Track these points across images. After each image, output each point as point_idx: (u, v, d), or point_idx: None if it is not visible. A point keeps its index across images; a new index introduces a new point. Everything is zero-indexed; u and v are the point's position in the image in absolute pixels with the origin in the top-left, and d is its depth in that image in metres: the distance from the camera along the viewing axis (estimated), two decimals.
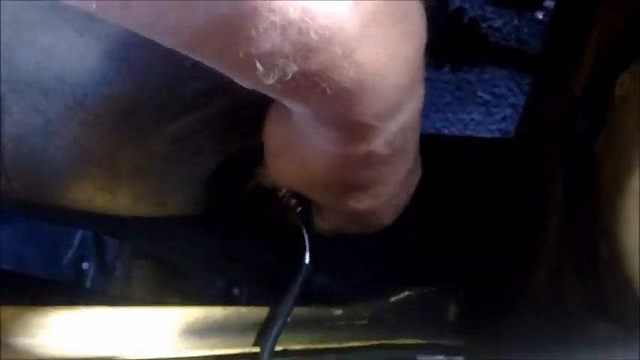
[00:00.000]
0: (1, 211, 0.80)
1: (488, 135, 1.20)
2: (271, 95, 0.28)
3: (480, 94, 1.21)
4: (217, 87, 0.41)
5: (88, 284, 0.77)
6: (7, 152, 0.38)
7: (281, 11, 0.23)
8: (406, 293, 0.59)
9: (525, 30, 1.10)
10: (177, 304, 0.61)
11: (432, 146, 0.46)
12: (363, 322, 0.56)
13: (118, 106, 0.37)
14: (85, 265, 0.81)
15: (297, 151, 0.36)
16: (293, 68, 0.25)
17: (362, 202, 0.36)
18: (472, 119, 1.24)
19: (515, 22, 1.11)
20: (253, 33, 0.23)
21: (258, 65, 0.25)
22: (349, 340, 0.55)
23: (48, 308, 0.49)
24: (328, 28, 0.24)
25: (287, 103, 0.29)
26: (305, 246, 0.51)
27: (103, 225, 0.62)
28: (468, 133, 1.22)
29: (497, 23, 1.12)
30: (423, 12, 0.30)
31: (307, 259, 0.50)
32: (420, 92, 0.32)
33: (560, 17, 0.64)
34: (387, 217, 0.40)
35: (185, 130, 0.41)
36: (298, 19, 0.23)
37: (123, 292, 0.74)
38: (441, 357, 0.61)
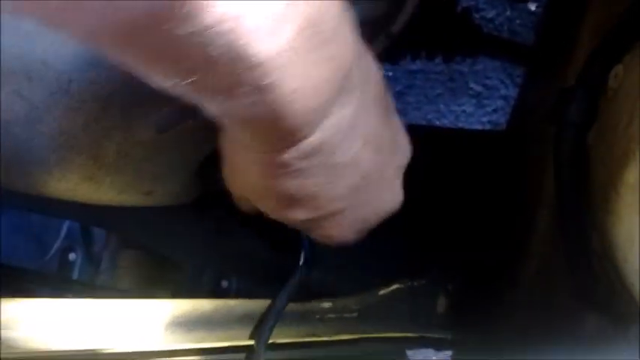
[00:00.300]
0: None
1: (479, 127, 1.20)
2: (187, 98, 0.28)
3: (472, 85, 1.21)
4: None
5: (75, 275, 0.77)
6: None
7: (198, 20, 0.22)
8: (395, 286, 0.58)
9: (518, 21, 1.10)
10: (164, 296, 0.61)
11: (423, 138, 0.45)
12: (353, 315, 0.56)
13: (102, 92, 0.37)
14: (72, 256, 0.80)
15: (231, 157, 0.37)
16: (208, 79, 0.25)
17: (297, 214, 0.36)
18: (463, 111, 1.24)
19: (508, 13, 1.11)
20: (171, 35, 0.23)
21: (173, 70, 0.25)
22: (338, 333, 0.55)
23: (32, 300, 0.48)
24: (245, 52, 0.24)
25: (204, 106, 0.29)
26: (303, 244, 0.51)
27: (90, 215, 0.61)
28: (460, 124, 1.22)
29: (490, 14, 1.12)
30: (350, 32, 0.30)
31: (304, 259, 0.50)
32: (345, 110, 0.32)
33: (553, 8, 0.63)
34: (342, 232, 0.39)
35: (171, 118, 0.41)
36: (216, 32, 0.23)
37: (110, 283, 0.73)
38: (430, 350, 0.61)
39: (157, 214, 0.52)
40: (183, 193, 0.49)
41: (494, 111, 1.19)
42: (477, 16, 1.11)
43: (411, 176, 0.45)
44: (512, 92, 1.12)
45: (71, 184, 0.40)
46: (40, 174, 0.39)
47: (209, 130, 0.44)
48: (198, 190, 0.49)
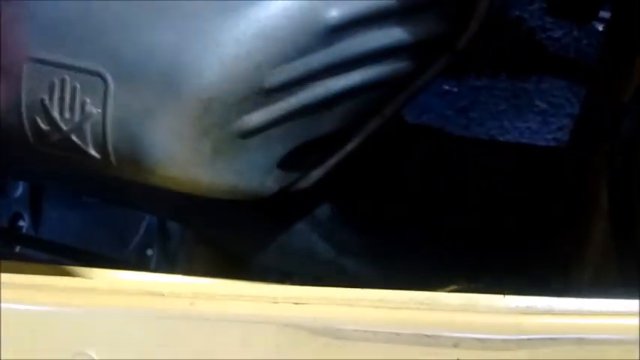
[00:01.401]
0: (75, 197, 0.89)
1: (543, 144, 1.22)
2: None
3: (537, 102, 1.23)
4: (292, 83, 0.47)
5: (150, 268, 0.85)
6: (110, 132, 0.45)
7: None
8: (453, 287, 0.63)
9: (585, 41, 1.12)
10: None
11: (487, 152, 0.50)
12: None
13: (206, 96, 0.44)
14: (149, 252, 0.89)
15: None
16: None
17: None
18: (528, 128, 1.27)
19: (575, 33, 1.13)
20: None
21: None
22: None
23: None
24: None
25: None
26: None
27: (169, 211, 0.68)
28: (524, 141, 1.24)
29: (557, 34, 1.15)
30: None
31: None
32: None
33: (614, 27, 0.67)
34: None
35: (260, 121, 0.48)
36: None
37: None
38: None
39: (230, 210, 0.59)
40: (262, 190, 0.55)
41: (560, 129, 1.21)
42: (543, 35, 1.14)
43: (473, 186, 0.49)
44: (578, 111, 1.14)
45: (173, 173, 0.47)
46: (150, 163, 0.46)
47: (291, 133, 0.51)
48: (277, 186, 0.55)
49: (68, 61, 0.45)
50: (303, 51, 0.46)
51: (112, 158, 0.46)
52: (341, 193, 0.69)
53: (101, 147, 0.45)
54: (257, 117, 0.47)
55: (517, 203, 0.69)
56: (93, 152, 0.46)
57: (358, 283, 0.64)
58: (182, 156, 0.46)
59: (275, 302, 0.35)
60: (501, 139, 1.26)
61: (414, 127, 1.00)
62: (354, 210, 0.72)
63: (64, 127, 0.46)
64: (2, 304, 0.35)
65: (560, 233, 0.65)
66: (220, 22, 0.44)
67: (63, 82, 0.45)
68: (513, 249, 0.63)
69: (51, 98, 0.46)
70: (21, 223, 0.88)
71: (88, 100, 0.45)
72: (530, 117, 1.26)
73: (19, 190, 0.87)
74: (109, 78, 0.44)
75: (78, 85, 0.45)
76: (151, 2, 0.43)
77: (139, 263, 0.86)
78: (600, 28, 1.08)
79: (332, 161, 0.60)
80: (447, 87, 1.14)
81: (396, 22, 0.48)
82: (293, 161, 0.55)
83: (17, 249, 0.86)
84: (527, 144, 1.16)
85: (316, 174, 0.59)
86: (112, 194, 0.62)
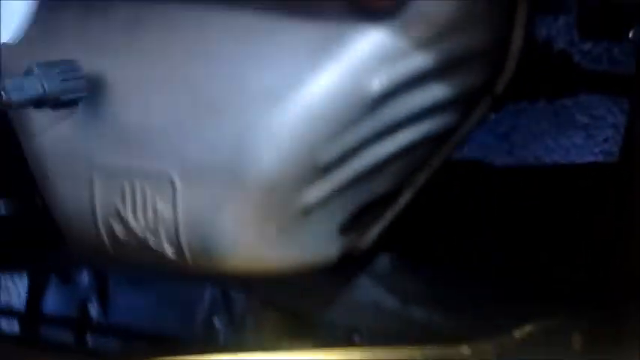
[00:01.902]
0: (136, 277, 0.92)
1: (592, 158, 1.21)
2: None
3: (579, 117, 1.23)
4: (344, 155, 0.50)
5: (220, 340, 0.87)
6: (182, 230, 0.48)
7: None
8: (530, 327, 0.62)
9: (616, 50, 1.12)
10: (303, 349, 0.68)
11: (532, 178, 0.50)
12: (492, 358, 0.60)
13: (267, 182, 0.47)
14: (216, 322, 0.91)
15: None
16: None
17: None
18: (573, 144, 1.26)
19: (605, 43, 1.14)
20: None
21: None
22: None
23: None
24: None
25: None
26: None
27: (234, 282, 0.71)
28: (571, 158, 1.24)
29: (587, 47, 1.16)
30: None
31: None
32: None
33: None
34: None
35: (319, 196, 0.50)
36: None
37: (255, 344, 0.82)
38: None
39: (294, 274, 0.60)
40: (326, 259, 0.57)
41: (605, 141, 1.20)
42: (573, 50, 1.15)
43: (531, 216, 0.50)
44: (622, 120, 1.13)
45: (243, 261, 0.50)
46: (221, 253, 0.49)
47: (348, 202, 0.53)
48: (339, 253, 0.57)
49: (136, 165, 0.48)
50: (350, 124, 0.49)
51: (187, 256, 0.49)
52: (400, 244, 0.70)
53: (176, 246, 0.48)
54: (315, 192, 0.50)
55: (576, 227, 0.69)
56: (168, 252, 0.49)
57: (429, 333, 0.65)
58: (251, 243, 0.49)
59: None
60: (548, 159, 1.26)
61: (457, 163, 1.01)
62: (415, 258, 0.73)
63: (139, 231, 0.49)
64: None
65: (625, 255, 0.64)
66: (271, 110, 0.47)
67: (133, 186, 0.49)
68: (586, 283, 0.63)
69: (123, 203, 0.49)
70: (90, 309, 0.91)
71: (158, 202, 0.48)
72: (574, 133, 1.25)
73: (85, 276, 0.90)
74: (176, 177, 0.47)
75: (148, 188, 0.48)
76: (206, 102, 0.47)
77: (208, 336, 0.88)
78: (630, 35, 1.08)
79: (388, 217, 0.62)
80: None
81: (435, 81, 0.50)
82: (352, 225, 0.57)
83: (88, 337, 0.89)
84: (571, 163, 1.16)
85: (374, 232, 0.61)
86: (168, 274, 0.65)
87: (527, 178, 0.86)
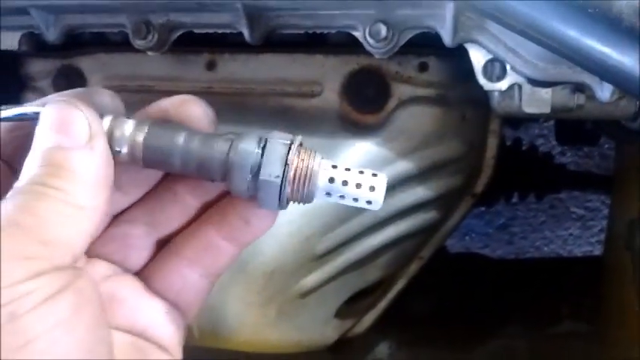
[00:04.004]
0: None
1: (589, 248, 1.28)
2: None
3: (574, 210, 1.31)
4: (338, 246, 0.57)
5: None
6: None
7: None
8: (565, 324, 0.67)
9: (606, 145, 1.21)
10: None
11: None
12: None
13: (268, 269, 0.55)
14: None
15: None
16: None
17: None
18: (570, 234, 1.33)
19: (585, 149, 1.23)
20: None
21: None
22: None
23: None
24: None
25: None
26: None
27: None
28: (568, 247, 1.30)
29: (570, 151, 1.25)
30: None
31: None
32: None
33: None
34: None
35: (316, 281, 0.58)
36: None
37: None
38: None
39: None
40: (323, 340, 0.64)
41: (601, 231, 1.27)
42: (565, 147, 1.24)
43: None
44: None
45: (246, 337, 0.57)
46: (226, 331, 0.56)
47: (343, 288, 0.60)
48: (336, 334, 0.64)
49: None
50: (342, 220, 0.57)
51: (195, 332, 0.56)
52: (397, 329, 0.76)
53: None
54: (312, 278, 0.58)
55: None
56: None
57: None
58: (252, 321, 0.56)
59: None
60: (546, 249, 1.33)
61: (457, 255, 1.07)
62: (413, 343, 0.79)
63: None
64: None
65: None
66: None
67: None
68: None
69: None
70: None
71: None
72: (571, 224, 1.33)
73: None
74: None
75: None
76: None
77: None
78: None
79: (382, 305, 0.68)
80: (483, 207, 1.24)
81: (416, 183, 0.59)
82: (347, 310, 0.64)
83: None
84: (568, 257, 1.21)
85: (369, 318, 0.68)
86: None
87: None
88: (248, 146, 0.33)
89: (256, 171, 0.33)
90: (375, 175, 0.34)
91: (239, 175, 0.33)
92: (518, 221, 1.31)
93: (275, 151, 0.33)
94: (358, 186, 0.33)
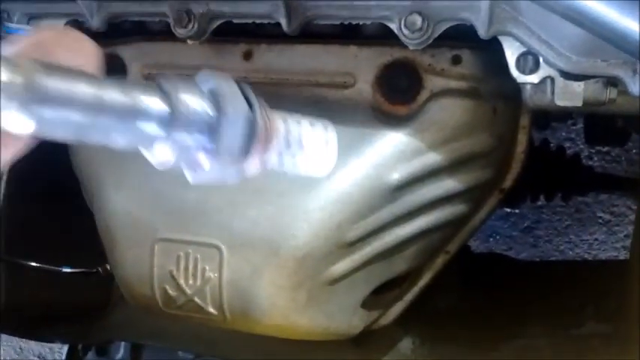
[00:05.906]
0: (172, 353, 0.99)
1: (614, 253, 1.27)
2: None
3: (600, 214, 1.30)
4: (368, 235, 0.59)
5: None
6: (225, 291, 0.57)
7: None
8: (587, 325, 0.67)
9: (634, 150, 1.21)
10: None
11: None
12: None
13: (300, 254, 0.57)
14: None
15: None
16: None
17: None
18: (596, 239, 1.32)
19: (613, 154, 1.23)
20: None
21: None
22: None
23: None
24: None
25: None
26: None
27: (264, 355, 0.78)
28: (594, 252, 1.30)
29: (605, 147, 1.24)
30: None
31: None
32: None
33: None
34: None
35: (345, 269, 0.59)
36: None
37: None
38: None
39: (320, 352, 0.68)
40: (349, 328, 0.65)
41: (627, 236, 1.26)
42: (592, 150, 1.24)
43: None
44: None
45: (277, 321, 0.58)
46: (258, 315, 0.58)
47: (371, 276, 0.61)
48: (363, 324, 0.65)
49: (191, 238, 0.59)
50: (373, 208, 0.58)
51: (227, 314, 0.58)
52: (420, 324, 0.77)
53: (218, 305, 0.57)
54: (342, 266, 0.59)
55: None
56: (211, 310, 0.58)
57: None
58: (283, 305, 0.57)
59: None
60: (571, 253, 1.32)
61: (480, 255, 1.08)
62: (436, 339, 0.80)
63: (189, 292, 0.59)
64: None
65: None
66: (306, 195, 0.57)
67: (187, 255, 0.59)
68: None
69: (178, 269, 0.59)
70: None
71: (207, 268, 0.58)
72: (596, 228, 1.32)
73: (121, 351, 0.97)
74: (224, 248, 0.57)
75: (199, 256, 0.58)
76: (252, 187, 0.57)
77: None
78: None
79: (408, 297, 0.70)
80: (508, 209, 1.24)
81: (446, 175, 0.60)
82: (374, 301, 0.66)
83: None
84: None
85: (395, 310, 0.69)
86: (210, 349, 0.73)
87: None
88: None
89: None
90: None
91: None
92: (543, 224, 1.31)
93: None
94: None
